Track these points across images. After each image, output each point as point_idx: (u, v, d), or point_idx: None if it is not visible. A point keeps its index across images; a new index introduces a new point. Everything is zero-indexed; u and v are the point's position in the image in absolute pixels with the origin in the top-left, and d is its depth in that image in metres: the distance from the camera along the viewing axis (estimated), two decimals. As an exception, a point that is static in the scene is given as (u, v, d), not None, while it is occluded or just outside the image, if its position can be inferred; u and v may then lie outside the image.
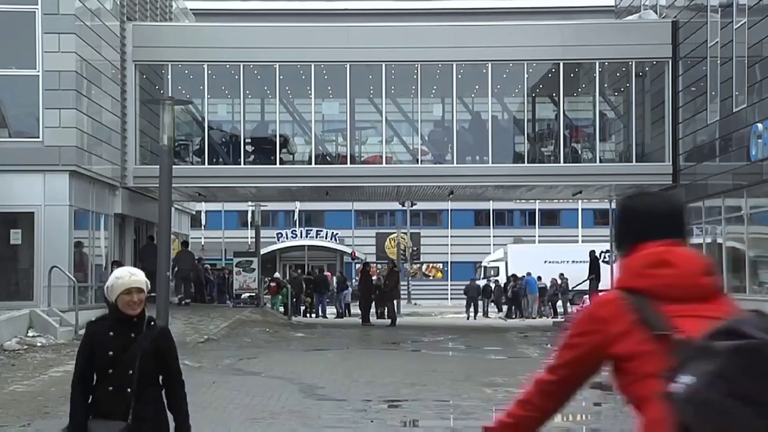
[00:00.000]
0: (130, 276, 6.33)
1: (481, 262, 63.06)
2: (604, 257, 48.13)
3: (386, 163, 31.62)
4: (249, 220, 62.61)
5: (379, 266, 58.53)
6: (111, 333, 6.30)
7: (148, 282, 6.40)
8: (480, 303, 48.94)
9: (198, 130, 31.86)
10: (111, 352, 6.26)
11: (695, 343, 2.87)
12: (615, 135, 33.45)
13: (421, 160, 31.86)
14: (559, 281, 47.41)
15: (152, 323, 6.41)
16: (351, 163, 31.41)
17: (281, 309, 39.39)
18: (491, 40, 30.86)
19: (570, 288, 46.93)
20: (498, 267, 60.20)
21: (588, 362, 3.41)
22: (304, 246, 69.83)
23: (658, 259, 3.32)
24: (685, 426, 2.77)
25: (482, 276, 57.32)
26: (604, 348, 3.32)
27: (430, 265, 75.22)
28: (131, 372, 6.23)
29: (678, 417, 2.78)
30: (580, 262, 50.02)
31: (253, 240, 45.21)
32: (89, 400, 6.37)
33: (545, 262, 51.17)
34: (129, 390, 6.23)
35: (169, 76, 30.52)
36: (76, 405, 6.38)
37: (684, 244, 3.41)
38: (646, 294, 3.28)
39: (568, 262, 48.12)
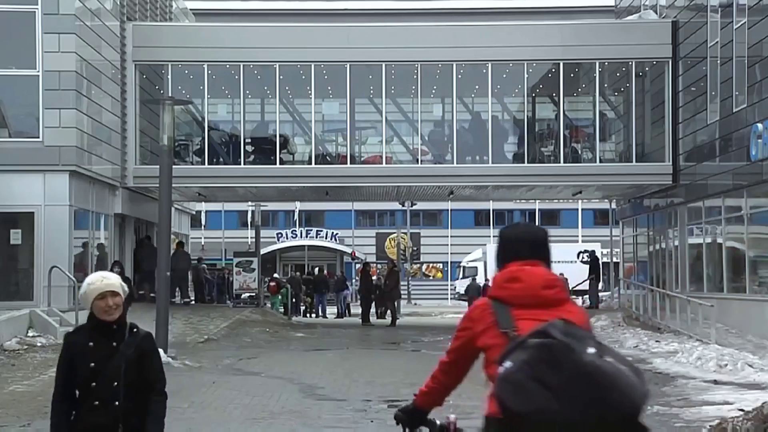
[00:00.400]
0: (102, 280, 5.92)
1: (460, 262, 63.06)
2: (583, 258, 48.11)
3: (386, 163, 31.61)
4: (249, 220, 62.63)
5: (378, 266, 58.55)
6: (91, 343, 5.83)
7: (125, 285, 6.01)
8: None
9: (198, 130, 31.86)
10: (93, 364, 5.79)
11: (520, 338, 3.89)
12: (615, 135, 33.45)
13: (421, 160, 31.85)
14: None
15: (134, 330, 5.94)
16: (351, 163, 31.40)
17: (281, 309, 39.40)
18: (491, 40, 30.85)
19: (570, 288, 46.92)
20: (476, 267, 60.18)
21: (467, 350, 4.50)
22: (304, 246, 69.81)
23: (511, 276, 4.41)
24: (499, 399, 3.78)
25: (462, 276, 57.24)
26: (474, 341, 4.42)
27: (430, 265, 75.24)
28: (116, 384, 5.78)
29: (497, 392, 3.79)
30: (560, 262, 49.83)
31: (253, 240, 45.21)
32: (72, 418, 5.87)
33: None
34: (116, 403, 5.78)
35: (169, 76, 30.52)
36: (57, 424, 5.88)
37: (540, 264, 4.46)
38: (503, 301, 4.37)
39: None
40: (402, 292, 43.55)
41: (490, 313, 4.38)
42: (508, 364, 3.80)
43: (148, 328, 6.20)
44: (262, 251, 44.19)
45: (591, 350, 3.75)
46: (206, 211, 65.69)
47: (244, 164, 31.10)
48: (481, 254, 61.28)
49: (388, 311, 36.61)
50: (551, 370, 3.71)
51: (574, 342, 3.78)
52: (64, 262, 24.89)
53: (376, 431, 13.30)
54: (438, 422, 4.97)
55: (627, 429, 3.77)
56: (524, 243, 4.55)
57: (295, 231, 71.26)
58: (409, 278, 65.25)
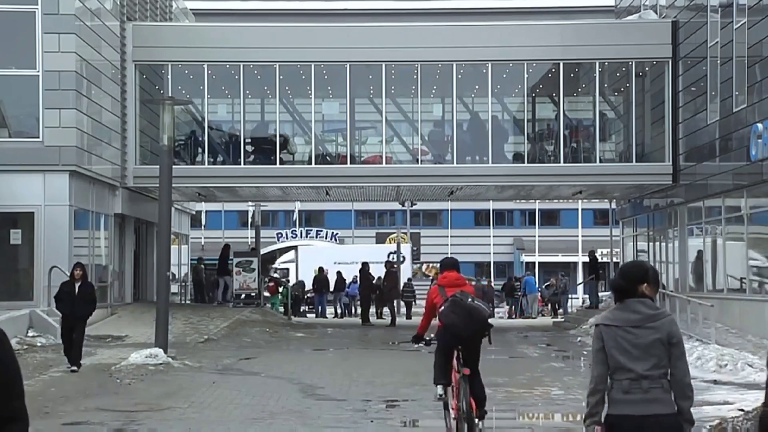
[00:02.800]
0: None
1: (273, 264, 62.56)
2: (391, 257, 47.77)
3: (386, 163, 31.61)
4: (249, 220, 62.60)
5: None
6: None
7: None
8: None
9: (198, 130, 31.85)
10: None
11: (450, 298, 11.03)
12: (615, 135, 33.44)
13: (421, 160, 31.84)
14: (554, 281, 47.48)
15: None
16: (351, 163, 31.38)
17: (281, 309, 39.36)
18: (491, 40, 30.84)
19: (565, 289, 46.92)
20: (288, 268, 59.96)
21: (431, 306, 11.56)
22: (304, 246, 69.74)
23: (444, 276, 11.57)
24: (440, 319, 11.03)
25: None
26: (433, 301, 11.48)
27: (430, 265, 75.21)
28: None
29: (440, 317, 11.03)
30: (374, 262, 49.39)
31: (253, 240, 45.18)
32: None
33: (335, 263, 50.84)
34: None
35: (169, 76, 30.51)
36: None
37: (455, 271, 11.53)
38: (442, 286, 11.38)
39: (357, 263, 47.37)
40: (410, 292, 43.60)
41: (437, 289, 11.39)
42: (443, 308, 10.95)
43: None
44: (262, 251, 44.12)
45: (469, 299, 10.91)
46: (206, 211, 65.68)
47: (244, 164, 31.09)
48: (293, 256, 61.19)
49: (388, 311, 36.65)
50: (455, 307, 10.84)
51: (464, 297, 10.93)
52: (64, 262, 24.86)
53: (375, 431, 13.31)
54: (426, 338, 11.81)
55: (484, 325, 10.88)
56: (449, 265, 11.68)
57: (295, 231, 71.23)
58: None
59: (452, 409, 11.39)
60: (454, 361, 11.22)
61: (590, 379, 6.19)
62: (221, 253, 37.95)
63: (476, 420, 11.12)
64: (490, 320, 11.08)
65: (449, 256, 12.17)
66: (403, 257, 41.91)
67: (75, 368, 18.61)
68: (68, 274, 23.04)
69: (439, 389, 11.34)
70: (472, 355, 11.13)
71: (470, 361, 11.12)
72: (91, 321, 24.56)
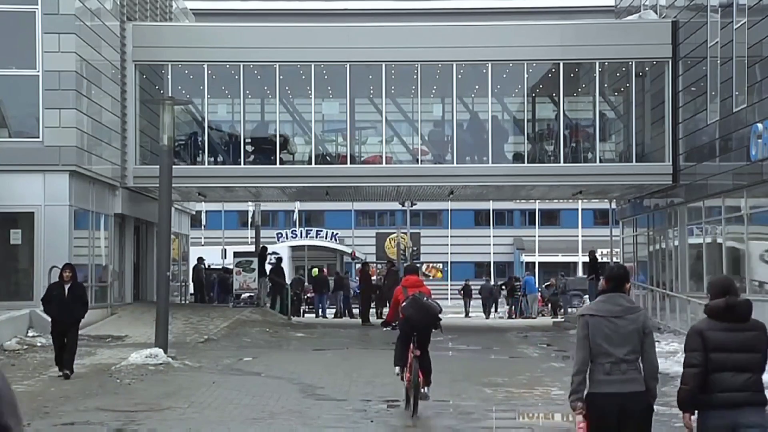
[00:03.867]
0: None
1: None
2: (270, 259, 47.23)
3: (386, 163, 31.60)
4: (249, 220, 62.62)
5: (378, 266, 58.53)
6: None
7: None
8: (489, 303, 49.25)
9: (198, 130, 31.85)
10: None
11: (410, 296, 14.58)
12: (615, 135, 33.44)
13: (421, 160, 31.84)
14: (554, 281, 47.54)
15: None
16: (351, 163, 31.38)
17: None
18: (491, 40, 30.84)
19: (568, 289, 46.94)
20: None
21: (396, 303, 14.96)
22: (304, 246, 69.77)
23: (407, 279, 15.22)
24: (402, 312, 14.61)
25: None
26: (399, 298, 14.85)
27: (430, 265, 75.24)
28: None
29: (402, 311, 14.57)
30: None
31: (253, 240, 45.17)
32: None
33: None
34: None
35: (169, 76, 30.51)
36: None
37: (415, 275, 15.47)
38: (405, 287, 14.90)
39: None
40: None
41: (402, 289, 14.82)
42: (404, 303, 14.47)
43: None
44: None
45: (425, 298, 14.46)
46: (206, 211, 65.69)
47: (244, 164, 31.08)
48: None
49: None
50: (414, 303, 14.38)
51: (420, 297, 14.43)
52: (64, 262, 24.84)
53: (375, 431, 13.31)
54: (392, 325, 16.13)
55: (435, 319, 14.47)
56: (411, 270, 15.64)
57: (295, 231, 71.24)
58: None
59: (406, 380, 14.65)
60: (411, 346, 14.57)
61: (575, 362, 7.38)
62: (259, 255, 37.58)
63: (422, 387, 14.34)
64: (440, 315, 14.74)
65: (411, 263, 16.02)
66: (280, 257, 41.21)
67: (68, 372, 18.24)
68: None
69: (397, 369, 14.92)
70: (424, 340, 14.67)
71: (422, 345, 14.60)
72: (92, 321, 24.61)
